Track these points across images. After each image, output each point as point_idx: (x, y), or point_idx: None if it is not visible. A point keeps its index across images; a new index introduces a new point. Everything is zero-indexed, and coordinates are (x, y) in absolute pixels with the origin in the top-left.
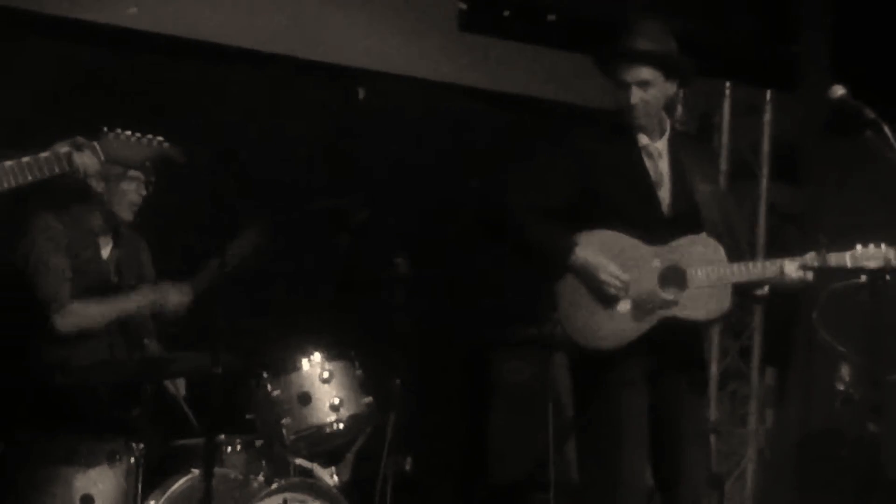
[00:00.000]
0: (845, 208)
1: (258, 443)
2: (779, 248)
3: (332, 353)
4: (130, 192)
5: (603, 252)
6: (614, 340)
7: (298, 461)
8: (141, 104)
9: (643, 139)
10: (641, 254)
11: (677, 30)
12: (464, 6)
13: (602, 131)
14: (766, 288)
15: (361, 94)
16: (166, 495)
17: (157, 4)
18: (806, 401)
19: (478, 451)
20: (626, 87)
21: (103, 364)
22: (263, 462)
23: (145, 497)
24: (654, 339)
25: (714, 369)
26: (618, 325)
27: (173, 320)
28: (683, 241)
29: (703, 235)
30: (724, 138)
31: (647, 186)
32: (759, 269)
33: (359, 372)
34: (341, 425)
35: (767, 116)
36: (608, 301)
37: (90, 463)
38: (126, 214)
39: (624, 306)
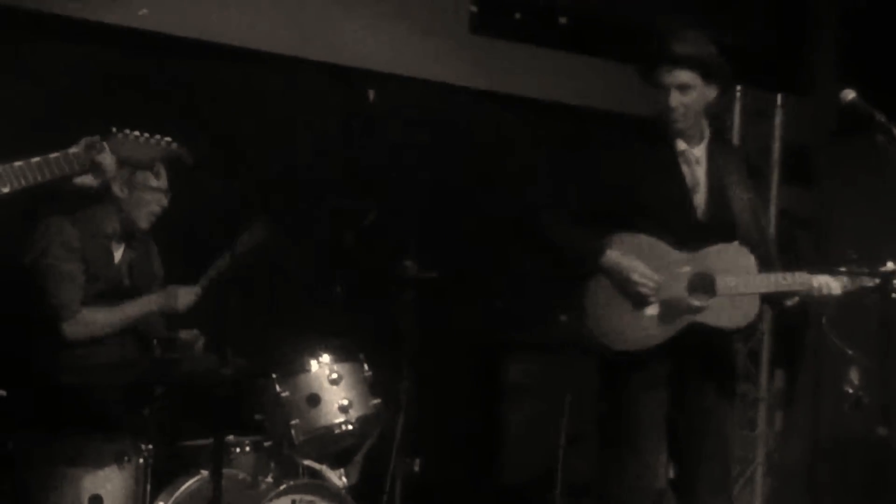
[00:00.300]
0: (855, 211)
1: (267, 444)
2: (792, 254)
3: (340, 355)
4: (152, 203)
5: (634, 254)
6: (640, 343)
7: (307, 462)
8: (159, 105)
9: (681, 144)
10: (672, 259)
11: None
12: (475, 9)
13: (640, 135)
14: (796, 298)
15: (372, 95)
16: (175, 496)
17: (168, 5)
18: (815, 404)
19: (486, 453)
20: (665, 90)
21: (113, 365)
22: (272, 463)
23: (154, 497)
24: (680, 344)
25: None
26: (644, 327)
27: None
28: (715, 249)
29: (736, 244)
30: (735, 142)
31: (682, 192)
32: (788, 281)
33: (368, 373)
34: (350, 427)
35: (778, 120)
36: (638, 302)
37: (99, 463)
38: (144, 223)
39: (652, 310)
